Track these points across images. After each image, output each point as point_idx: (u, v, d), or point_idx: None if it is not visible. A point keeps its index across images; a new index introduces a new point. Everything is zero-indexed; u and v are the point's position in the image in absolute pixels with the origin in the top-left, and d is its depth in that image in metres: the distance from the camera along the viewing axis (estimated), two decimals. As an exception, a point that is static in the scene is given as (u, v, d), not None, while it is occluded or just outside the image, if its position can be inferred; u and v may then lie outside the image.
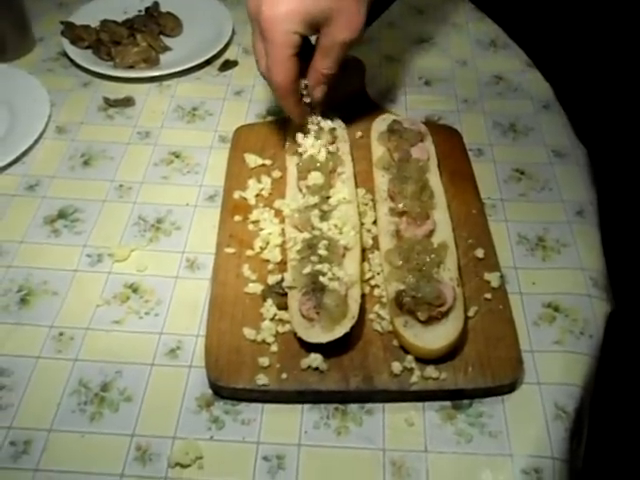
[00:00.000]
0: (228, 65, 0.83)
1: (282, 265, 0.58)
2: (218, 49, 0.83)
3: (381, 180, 0.63)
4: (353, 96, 0.76)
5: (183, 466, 0.48)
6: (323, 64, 0.61)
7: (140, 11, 0.89)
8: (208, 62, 0.83)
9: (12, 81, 0.79)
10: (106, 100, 0.77)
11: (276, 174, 0.66)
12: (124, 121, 0.75)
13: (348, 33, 0.59)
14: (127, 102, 0.77)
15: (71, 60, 0.82)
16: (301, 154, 0.64)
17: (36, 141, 0.72)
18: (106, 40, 0.83)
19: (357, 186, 0.64)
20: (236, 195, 0.64)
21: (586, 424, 0.53)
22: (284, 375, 0.51)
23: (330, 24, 0.58)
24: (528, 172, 0.69)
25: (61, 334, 0.56)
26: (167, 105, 0.77)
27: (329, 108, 0.68)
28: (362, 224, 0.61)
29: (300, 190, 0.62)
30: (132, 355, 0.54)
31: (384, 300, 0.55)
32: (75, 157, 0.71)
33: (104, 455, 0.49)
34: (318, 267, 0.53)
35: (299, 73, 0.61)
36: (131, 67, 0.81)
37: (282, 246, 0.59)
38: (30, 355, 0.54)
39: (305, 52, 0.61)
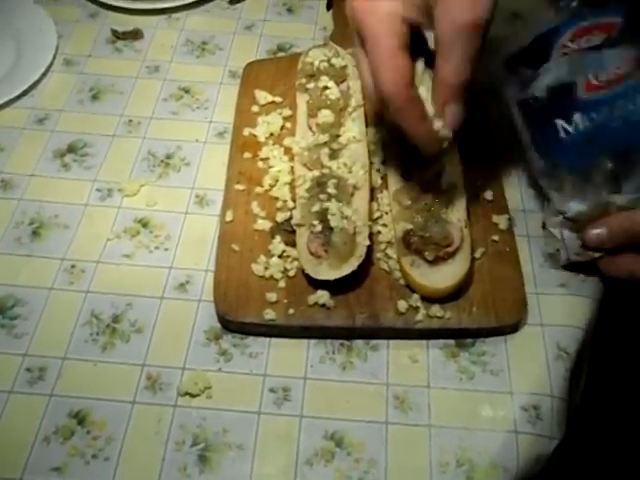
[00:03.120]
0: (238, -2, 0.81)
1: (291, 202, 0.58)
2: (228, -19, 0.81)
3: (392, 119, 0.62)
4: (366, 32, 0.74)
5: (192, 395, 0.50)
6: (447, 68, 0.43)
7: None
8: (218, -6, 0.81)
9: (18, 11, 0.77)
10: (114, 32, 0.76)
11: (286, 112, 0.66)
12: (133, 54, 0.74)
13: (472, 10, 0.41)
14: (135, 35, 0.76)
15: (78, -11, 0.80)
16: (311, 91, 0.63)
17: (44, 74, 0.71)
18: (113, -31, 0.81)
19: (367, 125, 0.63)
20: (246, 132, 0.64)
21: (586, 363, 0.54)
22: (291, 310, 0.52)
23: (445, 1, 0.41)
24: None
25: (73, 267, 0.57)
26: (176, 39, 0.76)
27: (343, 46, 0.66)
28: (371, 163, 0.60)
29: (310, 128, 0.61)
30: (142, 288, 0.55)
31: (392, 239, 0.56)
32: (84, 91, 0.70)
33: (116, 383, 0.50)
34: (327, 205, 0.54)
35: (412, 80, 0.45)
36: (139, -2, 0.79)
37: (291, 184, 0.59)
38: (43, 286, 0.55)
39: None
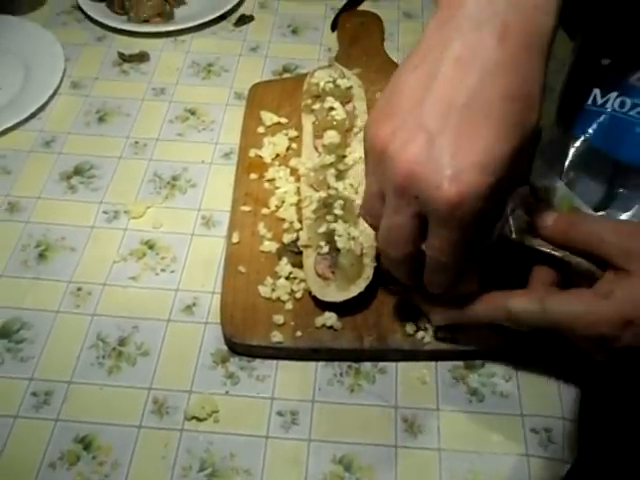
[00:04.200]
0: (244, 20, 0.81)
1: (297, 224, 0.58)
2: (234, 3, 0.82)
3: (398, 140, 0.62)
4: (371, 53, 0.74)
5: (199, 419, 0.49)
6: (429, 243, 0.43)
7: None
8: (223, 17, 0.81)
9: (26, 35, 0.78)
10: (121, 55, 0.77)
11: (292, 133, 0.66)
12: (139, 77, 0.75)
13: (520, 184, 0.45)
14: (142, 57, 0.76)
15: (85, 13, 0.81)
16: (317, 112, 0.64)
17: (51, 97, 0.72)
18: (120, -7, 0.82)
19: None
20: (252, 153, 0.64)
21: (598, 384, 0.53)
22: (298, 333, 0.52)
23: (508, 183, 0.41)
24: (544, 133, 0.68)
25: (79, 289, 0.56)
26: (182, 61, 0.77)
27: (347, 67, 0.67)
28: (378, 184, 0.60)
29: (316, 149, 0.62)
30: (148, 311, 0.55)
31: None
32: (90, 113, 0.71)
33: (122, 407, 0.50)
34: (333, 226, 0.54)
35: None
36: (145, 21, 0.80)
37: (297, 205, 0.59)
38: (49, 309, 0.55)
39: None
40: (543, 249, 0.45)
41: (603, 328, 0.41)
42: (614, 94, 0.50)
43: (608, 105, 0.50)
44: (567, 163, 0.50)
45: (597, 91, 0.51)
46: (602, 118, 0.50)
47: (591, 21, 0.58)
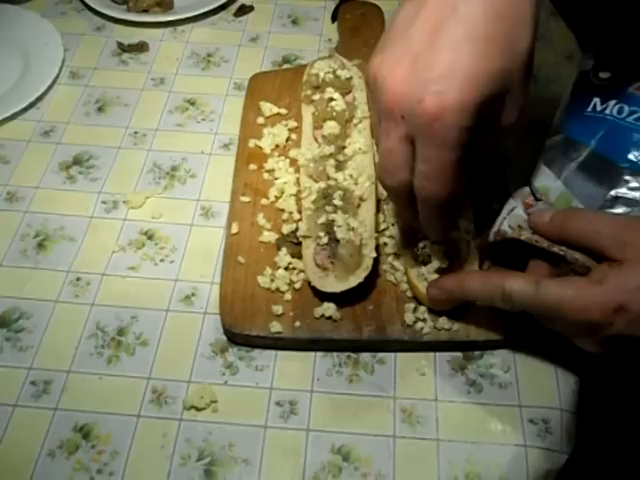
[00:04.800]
0: (244, 10, 0.81)
1: (297, 214, 0.58)
2: (233, -7, 0.82)
3: (398, 131, 0.62)
4: (371, 44, 0.74)
5: (198, 409, 0.49)
6: (475, 164, 0.44)
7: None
8: (223, 7, 0.81)
9: (25, 24, 0.78)
10: (120, 45, 0.76)
11: (292, 123, 0.66)
12: (138, 67, 0.74)
13: (514, 114, 0.42)
14: (141, 47, 0.76)
15: (84, 3, 0.81)
16: (317, 103, 0.63)
17: (50, 86, 0.71)
18: (119, -17, 0.81)
19: (373, 136, 0.63)
20: (251, 144, 0.64)
21: (596, 375, 0.53)
22: (297, 323, 0.52)
23: (497, 107, 0.41)
24: (547, 125, 0.68)
25: (78, 279, 0.56)
26: (181, 51, 0.76)
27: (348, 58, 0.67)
28: (377, 175, 0.60)
29: (316, 140, 0.61)
30: (147, 301, 0.55)
31: (398, 251, 0.55)
32: (89, 103, 0.71)
33: (121, 397, 0.50)
34: (333, 217, 0.53)
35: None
36: (145, 11, 0.80)
37: (297, 195, 0.59)
38: (48, 299, 0.55)
39: None
40: (540, 245, 0.46)
41: (595, 313, 0.41)
42: (613, 101, 0.52)
43: (607, 112, 0.51)
44: (566, 167, 0.51)
45: (597, 99, 0.52)
46: (601, 124, 0.51)
47: (600, 34, 0.58)
